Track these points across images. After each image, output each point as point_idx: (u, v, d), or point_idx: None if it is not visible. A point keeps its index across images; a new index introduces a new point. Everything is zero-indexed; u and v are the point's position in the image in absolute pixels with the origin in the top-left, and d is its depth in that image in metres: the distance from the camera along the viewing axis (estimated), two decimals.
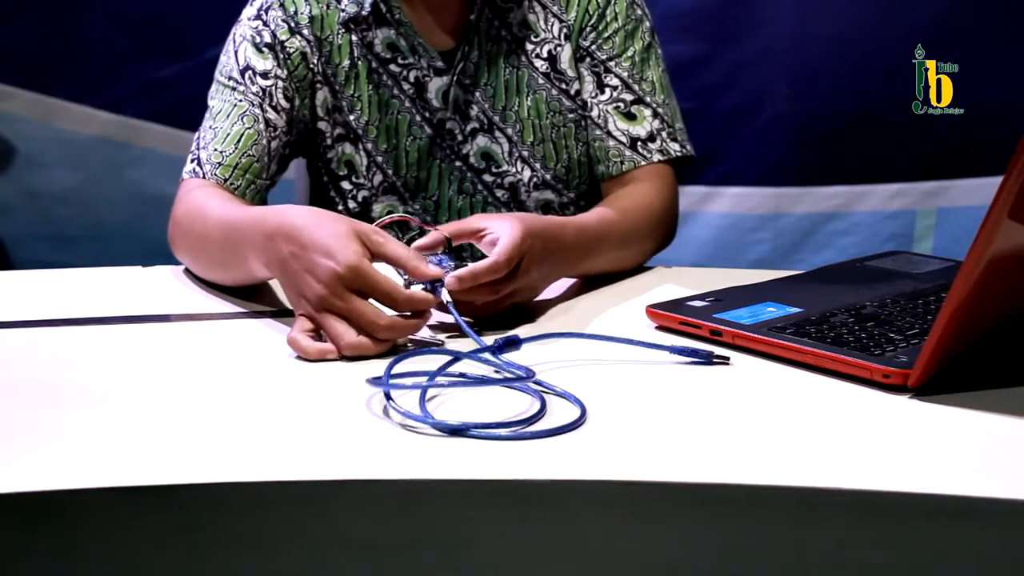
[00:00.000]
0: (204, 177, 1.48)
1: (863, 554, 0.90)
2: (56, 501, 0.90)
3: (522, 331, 1.25)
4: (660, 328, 1.26)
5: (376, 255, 1.18)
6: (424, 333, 1.23)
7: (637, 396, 1.09)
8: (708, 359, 1.15)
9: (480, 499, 0.93)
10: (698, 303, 1.27)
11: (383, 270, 1.19)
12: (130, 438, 0.99)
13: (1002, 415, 1.03)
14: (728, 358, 1.15)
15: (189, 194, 1.46)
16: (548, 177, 1.60)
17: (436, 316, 1.23)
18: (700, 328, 1.22)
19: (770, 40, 2.74)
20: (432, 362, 1.11)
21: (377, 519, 0.93)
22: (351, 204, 1.60)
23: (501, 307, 1.26)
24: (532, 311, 1.31)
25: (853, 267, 1.44)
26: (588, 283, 1.41)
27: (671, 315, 1.25)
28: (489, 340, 1.15)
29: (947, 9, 2.67)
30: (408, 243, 1.58)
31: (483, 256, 1.26)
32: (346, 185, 1.59)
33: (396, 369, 1.08)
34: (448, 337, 1.23)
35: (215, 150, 1.49)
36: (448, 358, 1.12)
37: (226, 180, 1.48)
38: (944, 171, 2.75)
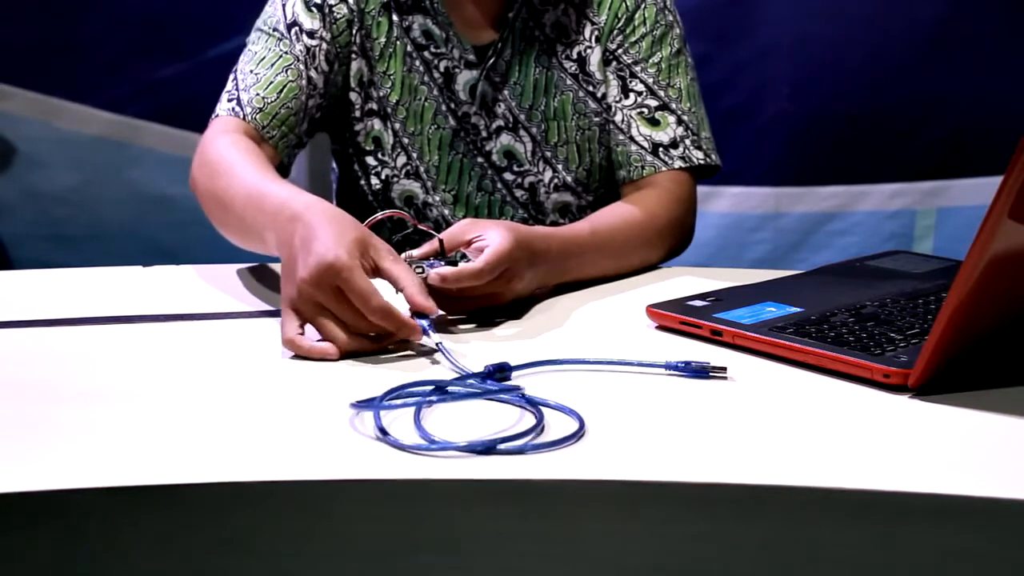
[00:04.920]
0: (244, 118, 1.48)
1: (863, 554, 0.90)
2: (56, 501, 0.90)
3: (517, 331, 1.25)
4: (660, 328, 1.26)
5: (376, 267, 1.18)
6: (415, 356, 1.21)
7: (634, 398, 1.09)
8: (704, 374, 1.12)
9: (480, 499, 0.93)
10: (698, 303, 1.27)
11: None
12: (130, 438, 0.99)
13: (1002, 415, 1.03)
14: (725, 369, 1.12)
15: (222, 137, 1.45)
16: (569, 179, 1.60)
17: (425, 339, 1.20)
18: (700, 328, 1.22)
19: (770, 40, 2.75)
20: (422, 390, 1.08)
21: (377, 519, 0.93)
22: (373, 181, 1.59)
23: (480, 305, 1.27)
24: (531, 309, 1.31)
25: (853, 267, 1.44)
26: (588, 281, 1.41)
27: (671, 315, 1.25)
28: (479, 366, 1.11)
29: (947, 9, 2.68)
30: (402, 240, 1.59)
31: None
32: (371, 161, 1.59)
33: (385, 404, 1.03)
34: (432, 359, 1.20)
35: (257, 94, 1.49)
36: (442, 386, 1.08)
37: (264, 127, 1.49)
38: (944, 171, 2.75)
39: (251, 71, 1.51)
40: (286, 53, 1.51)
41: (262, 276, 1.44)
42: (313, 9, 1.53)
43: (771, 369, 1.15)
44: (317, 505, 0.93)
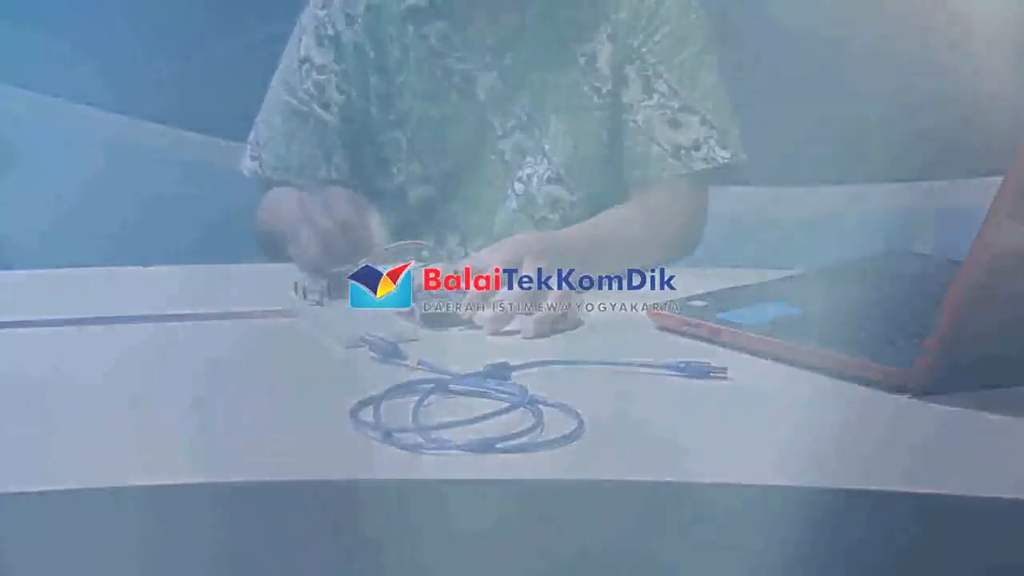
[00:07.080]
0: (267, 177, 1.61)
1: (864, 554, 0.91)
2: (56, 501, 0.90)
3: (518, 330, 1.25)
4: (660, 328, 1.26)
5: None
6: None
7: (634, 398, 1.09)
8: (704, 374, 1.12)
9: (479, 499, 0.93)
10: (698, 303, 1.27)
11: None
12: (130, 438, 0.99)
13: (1002, 415, 1.03)
14: (725, 369, 1.12)
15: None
16: (562, 172, 1.60)
17: (422, 352, 1.19)
18: (701, 328, 1.22)
19: (770, 40, 2.74)
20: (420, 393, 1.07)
21: (377, 519, 0.93)
22: (391, 187, 1.61)
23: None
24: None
25: (853, 267, 1.44)
26: None
27: (671, 315, 1.25)
28: (479, 366, 1.11)
29: (948, 10, 2.68)
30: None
31: None
32: (393, 170, 1.61)
33: (384, 404, 1.03)
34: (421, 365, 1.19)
35: (272, 153, 1.60)
36: (438, 386, 1.08)
37: (281, 182, 1.60)
38: (944, 171, 2.75)
39: (264, 121, 1.61)
40: (289, 99, 1.60)
41: (262, 276, 1.44)
42: (325, 42, 1.59)
43: (771, 369, 1.15)
44: (317, 505, 0.93)
